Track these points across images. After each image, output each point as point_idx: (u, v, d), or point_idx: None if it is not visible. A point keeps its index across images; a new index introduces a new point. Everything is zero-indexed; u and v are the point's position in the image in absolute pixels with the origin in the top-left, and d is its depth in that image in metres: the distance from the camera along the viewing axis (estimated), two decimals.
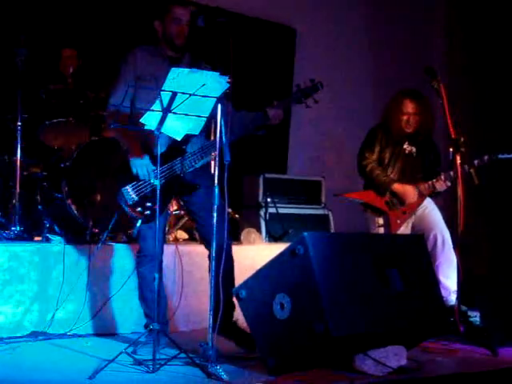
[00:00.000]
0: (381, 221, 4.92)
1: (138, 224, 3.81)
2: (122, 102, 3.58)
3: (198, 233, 4.25)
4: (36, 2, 5.82)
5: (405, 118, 4.92)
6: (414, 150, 5.03)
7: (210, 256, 3.87)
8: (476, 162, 4.75)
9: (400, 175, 4.97)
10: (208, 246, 3.91)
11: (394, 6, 7.94)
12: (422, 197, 4.94)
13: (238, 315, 4.54)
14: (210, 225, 3.63)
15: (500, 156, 4.79)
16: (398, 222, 4.89)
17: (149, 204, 3.82)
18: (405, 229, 4.95)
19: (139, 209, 3.81)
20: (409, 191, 4.88)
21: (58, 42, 5.83)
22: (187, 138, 3.78)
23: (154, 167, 3.77)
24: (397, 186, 4.89)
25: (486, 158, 4.78)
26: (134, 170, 3.80)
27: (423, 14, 8.15)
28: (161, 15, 3.95)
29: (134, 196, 3.84)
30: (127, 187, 3.85)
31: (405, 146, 5.01)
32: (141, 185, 3.84)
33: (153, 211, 3.76)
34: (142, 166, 3.81)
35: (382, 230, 4.91)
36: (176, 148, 3.86)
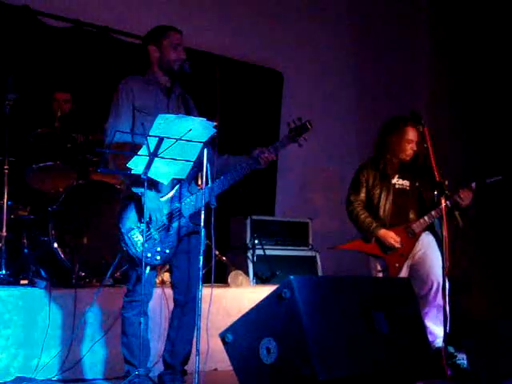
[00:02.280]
0: (378, 266, 4.82)
1: (148, 271, 3.58)
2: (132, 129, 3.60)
3: (172, 276, 3.96)
4: (24, 46, 5.89)
5: (408, 145, 4.84)
6: (405, 183, 4.91)
7: (175, 300, 3.89)
8: (473, 184, 4.71)
9: (392, 214, 4.83)
10: (176, 294, 3.87)
11: (380, 46, 8.07)
12: (413, 237, 4.80)
13: (216, 363, 4.55)
14: (184, 269, 3.72)
15: (488, 180, 4.76)
16: (397, 265, 4.76)
17: (158, 249, 3.65)
18: (405, 270, 4.83)
19: (149, 254, 3.59)
20: (391, 239, 4.75)
21: (47, 85, 5.89)
22: (187, 180, 3.74)
23: (165, 211, 3.70)
24: (381, 234, 4.77)
25: (473, 184, 4.74)
26: (147, 214, 3.57)
27: (409, 52, 8.29)
28: (156, 40, 3.84)
29: (142, 241, 3.61)
30: (133, 232, 3.64)
31: (394, 181, 4.88)
32: (148, 229, 3.61)
33: (163, 256, 3.67)
34: (157, 210, 3.64)
35: (379, 275, 4.79)
36: (178, 189, 3.77)
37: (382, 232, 4.77)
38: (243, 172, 3.85)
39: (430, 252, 4.85)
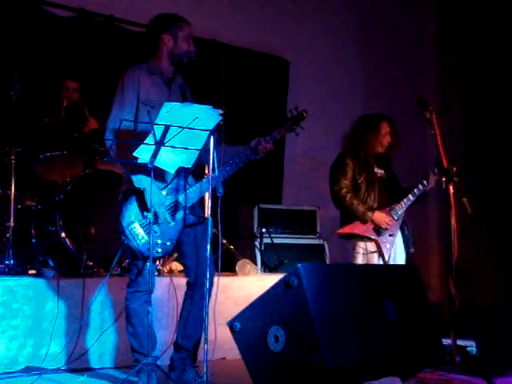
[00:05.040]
0: (370, 247, 4.92)
1: (149, 264, 3.54)
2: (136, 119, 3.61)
3: (181, 260, 4.03)
4: (31, 36, 5.88)
5: (384, 139, 5.03)
6: (383, 173, 5.10)
7: (187, 283, 3.89)
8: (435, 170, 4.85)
9: (379, 201, 4.98)
10: (187, 272, 3.87)
11: (387, 36, 8.02)
12: (397, 219, 4.96)
13: (225, 352, 4.55)
14: (193, 255, 3.74)
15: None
16: (388, 246, 4.93)
17: (159, 241, 3.64)
18: (393, 250, 5.00)
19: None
20: (386, 219, 4.91)
21: (53, 75, 5.88)
22: (188, 170, 3.73)
23: (166, 203, 3.67)
24: (375, 216, 4.89)
25: (435, 170, 4.86)
26: (153, 210, 3.53)
27: (416, 38, 8.25)
28: (171, 30, 3.81)
29: (143, 234, 3.64)
30: (134, 225, 3.65)
31: (375, 170, 5.06)
32: (147, 222, 3.58)
33: (164, 249, 3.68)
34: (160, 204, 3.62)
35: (372, 256, 4.92)
36: (181, 180, 3.76)
37: (377, 214, 4.92)
38: (241, 163, 3.84)
39: (399, 257, 5.04)
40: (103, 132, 3.80)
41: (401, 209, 4.96)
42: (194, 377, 3.77)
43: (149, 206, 3.54)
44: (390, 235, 4.95)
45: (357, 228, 4.93)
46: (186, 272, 3.93)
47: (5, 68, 5.26)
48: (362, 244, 4.93)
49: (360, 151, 5.02)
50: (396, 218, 4.95)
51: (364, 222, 4.91)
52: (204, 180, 3.79)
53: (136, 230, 3.64)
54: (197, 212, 3.80)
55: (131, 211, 3.66)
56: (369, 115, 5.17)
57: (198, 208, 3.85)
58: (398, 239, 5.06)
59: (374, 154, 5.05)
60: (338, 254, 6.55)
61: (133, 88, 3.74)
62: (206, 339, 3.39)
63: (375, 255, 4.92)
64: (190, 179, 3.84)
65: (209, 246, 3.45)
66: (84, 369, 4.28)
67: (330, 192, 5.05)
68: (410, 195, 4.94)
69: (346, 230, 4.97)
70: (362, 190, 4.98)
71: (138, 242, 3.63)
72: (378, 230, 4.91)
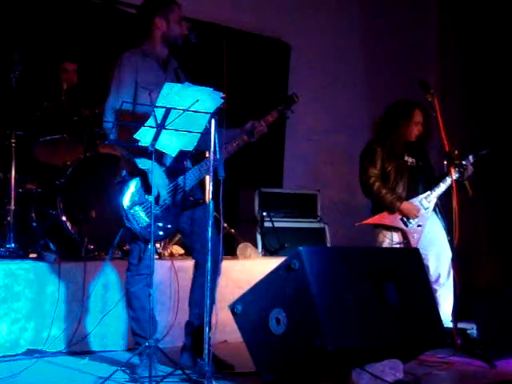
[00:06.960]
0: (396, 238, 4.88)
1: (150, 246, 3.52)
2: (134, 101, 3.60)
3: (186, 242, 4.02)
4: (29, 19, 5.85)
5: (416, 128, 4.95)
6: (414, 161, 5.01)
7: (195, 265, 3.88)
8: (465, 162, 4.81)
9: (407, 190, 4.93)
10: (195, 254, 3.86)
11: (389, 19, 7.98)
12: (427, 209, 4.91)
13: (226, 335, 4.56)
14: (197, 234, 3.73)
15: (479, 153, 4.90)
16: (416, 236, 4.86)
17: (160, 224, 3.65)
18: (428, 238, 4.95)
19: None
20: (414, 210, 4.85)
21: (52, 57, 5.85)
22: (186, 153, 3.72)
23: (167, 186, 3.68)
24: (403, 206, 4.84)
25: (470, 157, 4.86)
26: (155, 191, 3.56)
27: (416, 26, 8.21)
28: (163, 14, 3.81)
29: (145, 217, 3.62)
30: (136, 208, 3.64)
31: (406, 159, 4.98)
32: (150, 205, 3.56)
33: (166, 231, 3.70)
34: (164, 186, 3.63)
35: (399, 246, 4.87)
36: (179, 163, 3.77)
37: (404, 204, 4.86)
38: (238, 146, 3.85)
39: (437, 239, 4.94)
40: (102, 114, 3.79)
41: (431, 198, 4.90)
42: (196, 359, 3.78)
43: (151, 189, 3.53)
44: (419, 225, 4.88)
45: (383, 218, 4.88)
46: (193, 254, 3.89)
47: (4, 51, 5.22)
48: (388, 234, 4.89)
49: (389, 139, 4.94)
50: (425, 207, 4.89)
51: (392, 211, 4.86)
52: (204, 163, 3.78)
53: (138, 212, 3.63)
54: (196, 195, 3.79)
55: (134, 194, 3.65)
56: (402, 102, 5.04)
57: (196, 191, 3.85)
58: (438, 227, 4.97)
59: (405, 142, 4.97)
60: (338, 238, 6.57)
61: (130, 71, 3.74)
62: (207, 322, 3.39)
63: (402, 246, 4.85)
64: (188, 163, 3.83)
65: (210, 229, 3.43)
66: (85, 352, 4.29)
67: (359, 181, 5.00)
68: (441, 183, 4.87)
69: (372, 221, 4.93)
70: (390, 178, 4.92)
71: (140, 224, 3.63)
72: (406, 220, 4.87)
